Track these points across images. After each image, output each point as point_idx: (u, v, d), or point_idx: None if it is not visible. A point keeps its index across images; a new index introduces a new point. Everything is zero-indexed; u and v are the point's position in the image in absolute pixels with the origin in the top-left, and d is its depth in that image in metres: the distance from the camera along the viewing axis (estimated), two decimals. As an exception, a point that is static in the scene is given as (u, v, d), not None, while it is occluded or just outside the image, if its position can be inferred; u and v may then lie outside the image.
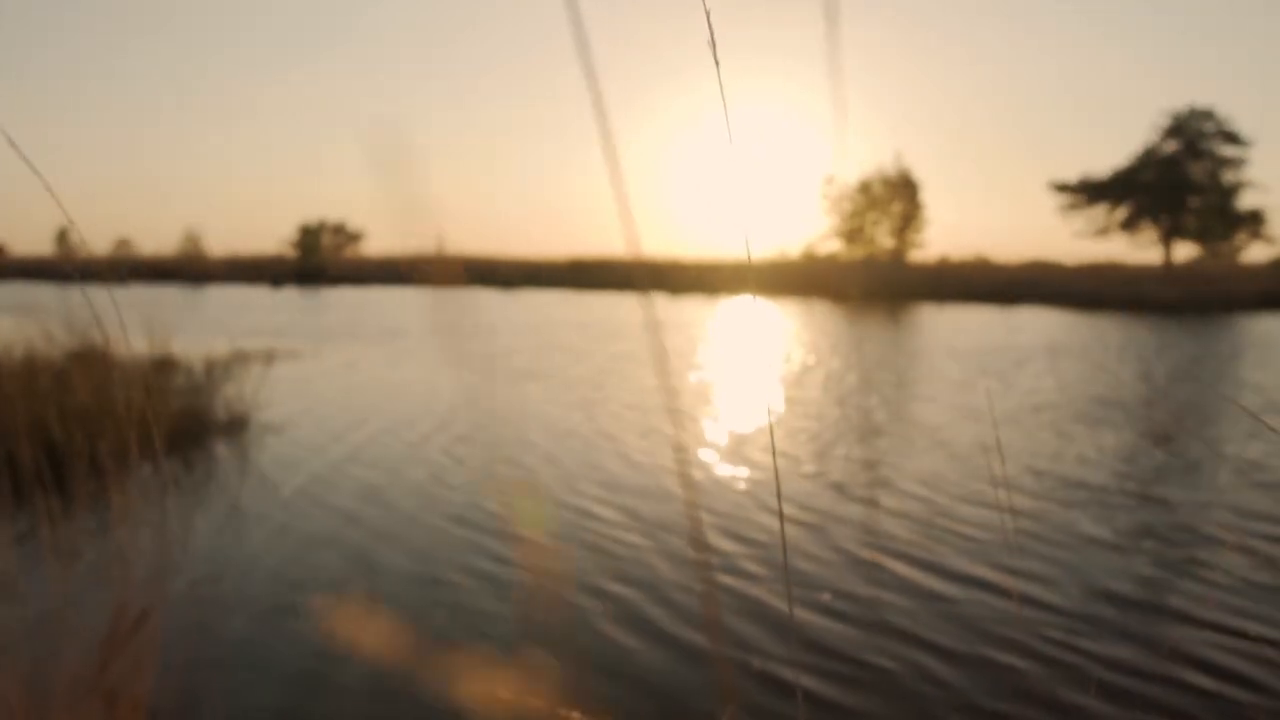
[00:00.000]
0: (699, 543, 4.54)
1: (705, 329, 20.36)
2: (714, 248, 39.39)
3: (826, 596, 3.80)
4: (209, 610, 3.61)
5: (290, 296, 32.71)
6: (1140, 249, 42.66)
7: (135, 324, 8.09)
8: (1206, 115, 40.69)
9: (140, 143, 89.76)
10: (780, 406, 9.04)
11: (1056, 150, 70.78)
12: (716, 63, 0.76)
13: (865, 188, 42.65)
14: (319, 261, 51.28)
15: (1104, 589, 3.91)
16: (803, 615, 3.61)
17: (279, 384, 9.59)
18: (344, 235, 59.08)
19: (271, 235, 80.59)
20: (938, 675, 3.10)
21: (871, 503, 5.32)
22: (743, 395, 10.22)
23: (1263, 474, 6.09)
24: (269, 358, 11.52)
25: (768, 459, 6.47)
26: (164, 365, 7.94)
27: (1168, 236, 41.64)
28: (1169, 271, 37.85)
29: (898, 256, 42.27)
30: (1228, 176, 40.70)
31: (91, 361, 6.22)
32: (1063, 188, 43.62)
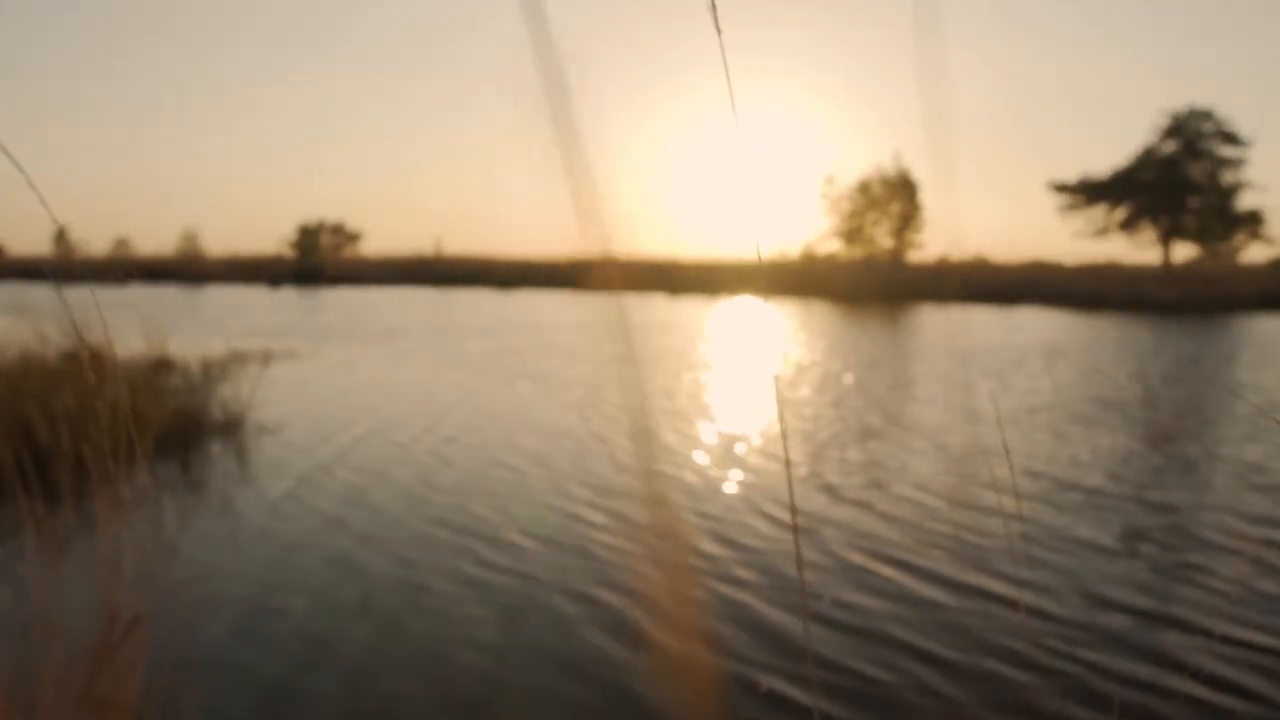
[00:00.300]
0: (692, 548, 4.50)
1: (703, 329, 20.33)
2: (714, 248, 39.36)
3: (824, 604, 3.77)
4: (192, 614, 3.58)
5: (288, 296, 32.68)
6: (1139, 249, 42.70)
7: (133, 324, 8.07)
8: (1206, 115, 40.69)
9: (140, 143, 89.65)
10: (776, 407, 9.01)
11: (1056, 150, 70.79)
12: (723, 54, 0.73)
13: (864, 188, 42.64)
14: (317, 261, 51.26)
15: (1117, 599, 3.88)
16: (794, 624, 3.58)
17: (276, 384, 9.56)
18: (343, 235, 59.06)
19: (270, 235, 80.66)
20: (940, 688, 3.07)
21: (868, 507, 5.29)
22: (737, 396, 10.19)
23: (1263, 476, 6.06)
24: (266, 358, 11.49)
25: (761, 462, 6.44)
26: (160, 366, 7.91)
27: (1167, 237, 41.63)
28: (1168, 272, 37.84)
29: (897, 257, 42.24)
30: (1227, 177, 40.71)
31: (85, 362, 6.18)
32: (1062, 188, 43.61)
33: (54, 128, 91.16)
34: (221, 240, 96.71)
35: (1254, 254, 42.65)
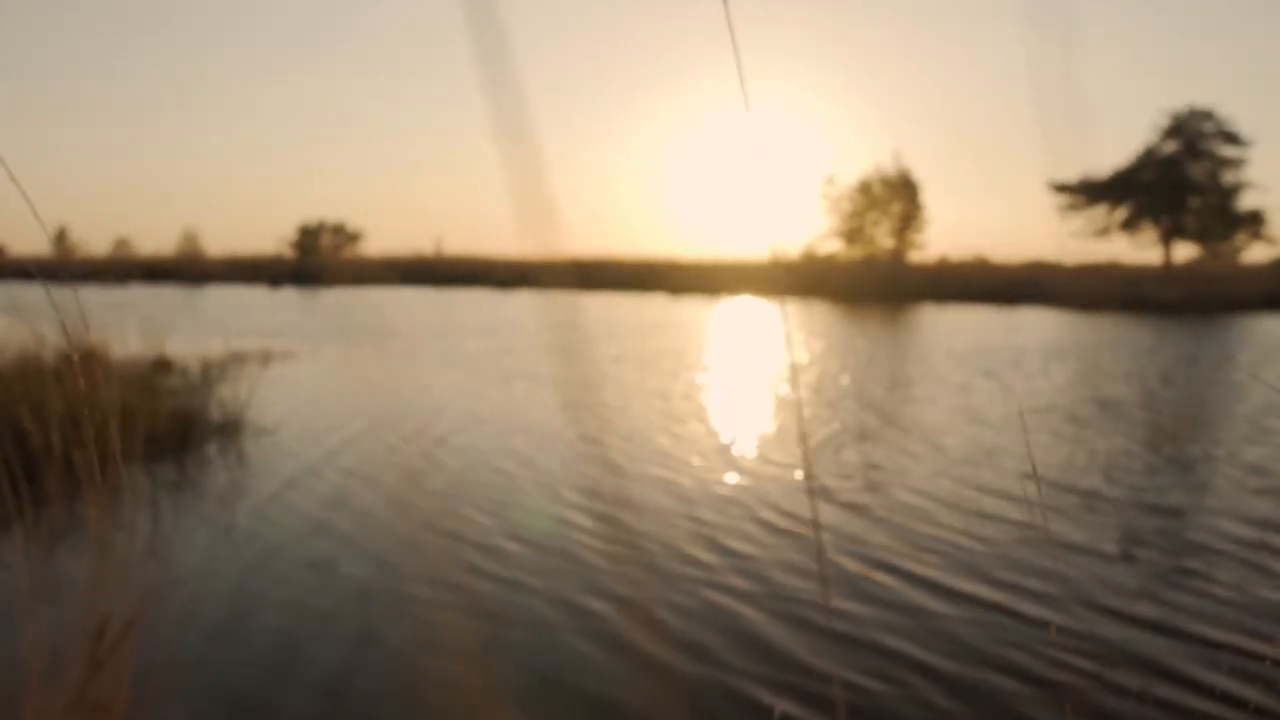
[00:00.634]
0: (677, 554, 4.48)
1: (703, 329, 20.31)
2: (714, 248, 39.35)
3: (813, 614, 3.75)
4: (180, 617, 3.56)
5: (288, 297, 32.66)
6: (1140, 249, 42.64)
7: (132, 324, 8.06)
8: (1206, 115, 40.65)
9: (140, 143, 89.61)
10: (771, 409, 8.99)
11: (1056, 150, 70.60)
12: (737, 55, 0.72)
13: (865, 188, 42.59)
14: (318, 262, 51.24)
15: (1138, 608, 3.86)
16: (784, 634, 3.56)
17: (274, 385, 9.54)
18: (343, 235, 59.04)
19: (270, 235, 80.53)
20: (940, 702, 3.05)
21: (865, 510, 5.27)
22: (734, 397, 10.17)
23: (1263, 479, 6.04)
24: (265, 358, 11.48)
25: (757, 465, 6.42)
26: (158, 366, 7.90)
27: (1168, 237, 41.58)
28: (1169, 272, 37.78)
29: (897, 257, 42.19)
30: (1228, 177, 40.67)
31: (75, 365, 6.16)
32: (1062, 188, 43.56)
33: (54, 128, 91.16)
34: (221, 240, 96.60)
35: (1255, 254, 42.60)
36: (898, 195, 42.42)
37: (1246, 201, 40.81)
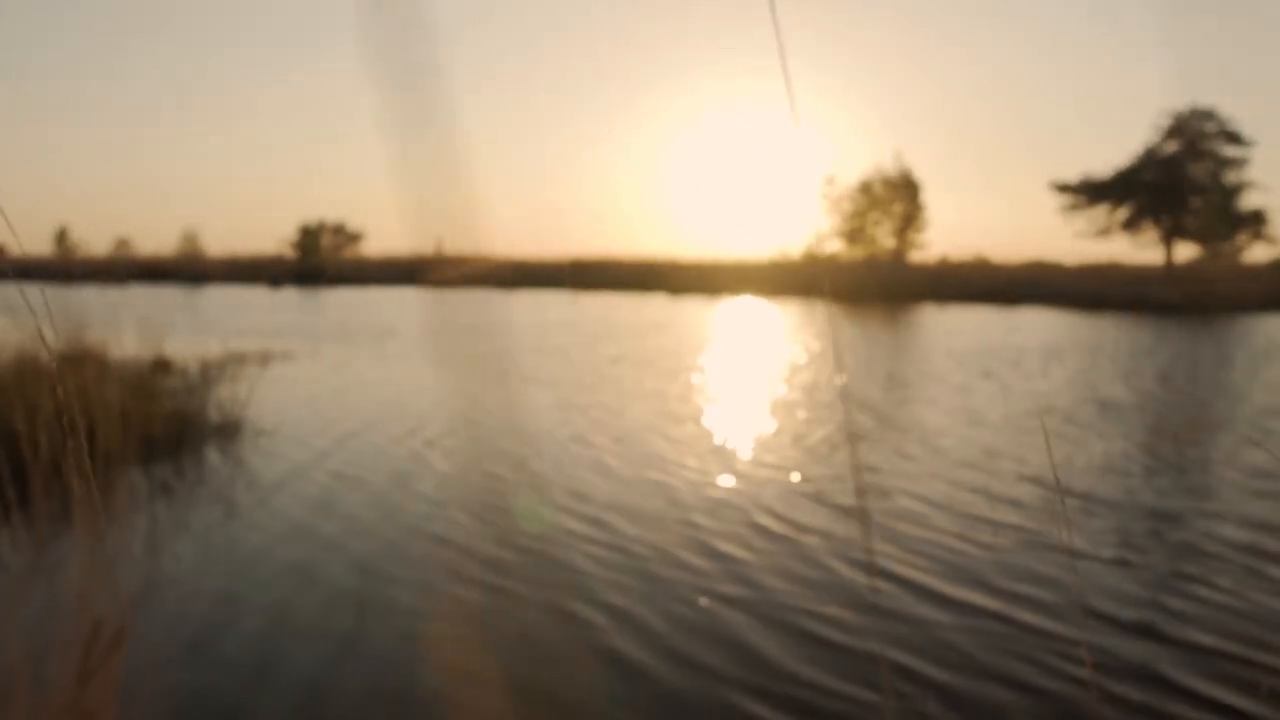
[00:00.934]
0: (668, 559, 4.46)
1: (701, 329, 20.29)
2: (714, 247, 39.33)
3: (812, 624, 3.73)
4: (170, 623, 3.55)
5: (289, 297, 32.66)
6: (1141, 249, 42.59)
7: (131, 324, 8.04)
8: (1208, 115, 40.59)
9: (140, 143, 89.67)
10: (771, 409, 8.97)
11: (1056, 150, 70.65)
12: (782, 54, 0.70)
13: (866, 188, 42.54)
14: (318, 262, 51.23)
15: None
16: (782, 643, 3.54)
17: (273, 385, 9.52)
18: (344, 235, 59.02)
19: (270, 235, 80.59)
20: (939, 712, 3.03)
21: (864, 515, 5.24)
22: (732, 397, 10.14)
23: (1264, 481, 6.02)
24: (264, 359, 11.47)
25: (753, 468, 6.40)
26: (157, 367, 7.88)
27: (1169, 237, 41.52)
28: (1170, 272, 37.74)
29: (898, 257, 42.15)
30: (1229, 177, 40.59)
31: (81, 364, 6.15)
32: (1064, 188, 43.52)
33: (54, 128, 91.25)
34: (221, 240, 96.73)
35: (1257, 254, 42.50)
36: (899, 195, 42.37)
37: (1248, 201, 40.77)
